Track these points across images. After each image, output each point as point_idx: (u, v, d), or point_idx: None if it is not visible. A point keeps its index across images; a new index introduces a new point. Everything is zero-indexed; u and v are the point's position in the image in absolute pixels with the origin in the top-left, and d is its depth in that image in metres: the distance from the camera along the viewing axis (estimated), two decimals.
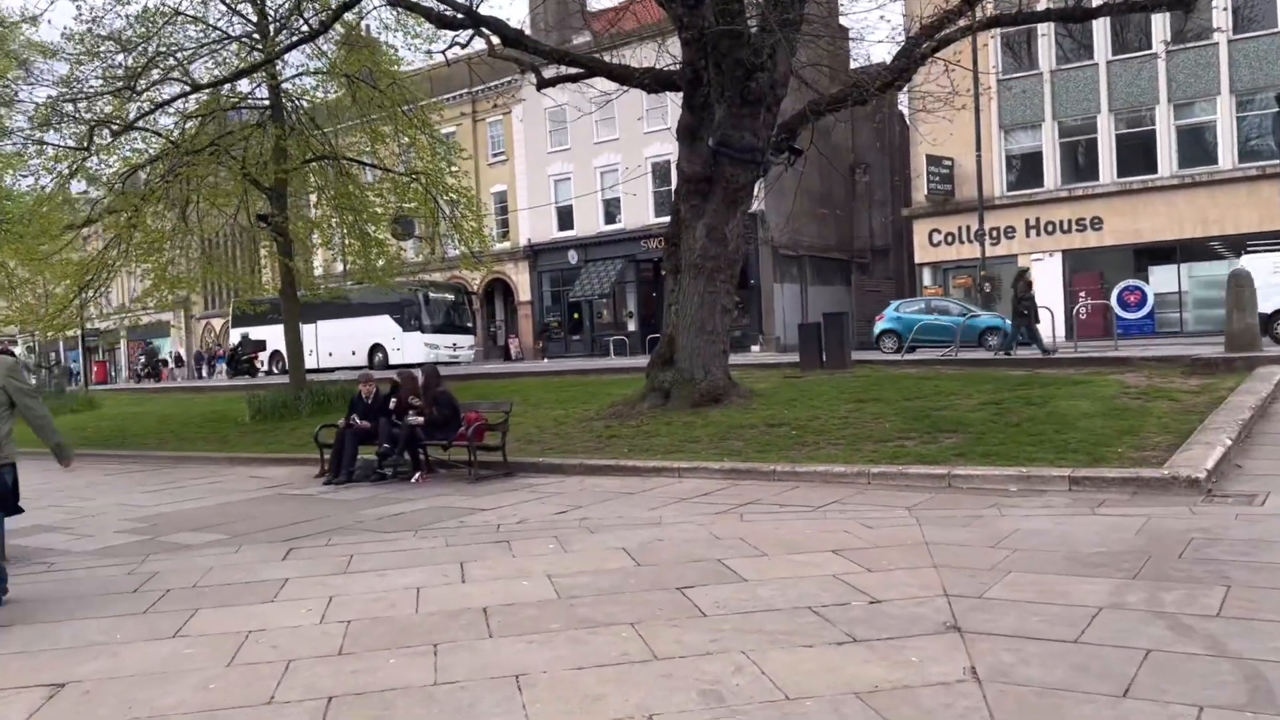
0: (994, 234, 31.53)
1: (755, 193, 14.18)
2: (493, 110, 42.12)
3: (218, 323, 58.74)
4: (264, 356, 40.18)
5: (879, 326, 26.24)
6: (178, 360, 54.65)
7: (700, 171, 13.37)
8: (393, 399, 11.65)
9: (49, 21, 28.99)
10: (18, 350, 59.33)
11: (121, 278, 26.78)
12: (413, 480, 10.87)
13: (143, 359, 52.33)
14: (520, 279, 42.63)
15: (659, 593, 5.52)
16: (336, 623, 5.22)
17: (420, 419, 11.05)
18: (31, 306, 19.33)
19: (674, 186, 14.72)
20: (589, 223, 39.86)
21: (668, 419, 12.85)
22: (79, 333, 32.69)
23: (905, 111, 34.43)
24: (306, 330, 38.37)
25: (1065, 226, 31.13)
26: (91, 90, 16.21)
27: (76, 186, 20.77)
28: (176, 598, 5.93)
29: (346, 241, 19.73)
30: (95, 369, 56.63)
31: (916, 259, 34.27)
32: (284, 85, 18.60)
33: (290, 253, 18.65)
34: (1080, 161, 31.45)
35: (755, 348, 33.67)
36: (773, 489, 9.00)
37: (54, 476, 13.65)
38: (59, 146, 16.58)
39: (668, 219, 14.88)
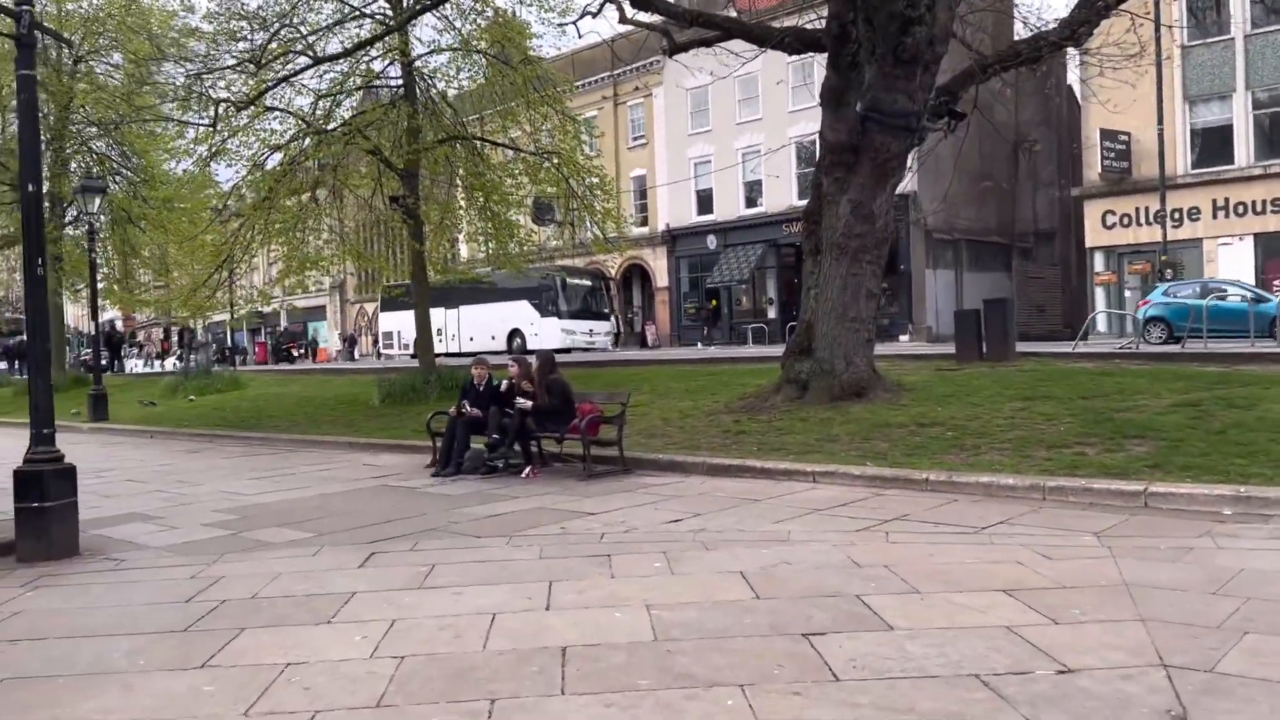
0: (1176, 216, 28.48)
1: (908, 165, 12.70)
2: (633, 93, 41.38)
3: (370, 307, 60.61)
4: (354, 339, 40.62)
5: (1144, 312, 23.26)
6: (350, 341, 56.67)
7: (846, 140, 12.03)
8: (505, 384, 10.89)
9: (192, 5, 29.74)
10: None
11: (264, 261, 27.37)
12: (523, 475, 10.07)
13: (275, 342, 54.35)
14: (658, 265, 41.81)
15: (779, 640, 4.41)
16: (388, 658, 4.35)
17: (528, 404, 10.22)
18: (184, 289, 19.71)
19: (816, 159, 13.42)
20: (729, 206, 38.60)
21: (803, 414, 11.62)
22: (233, 314, 33.79)
23: (1076, 84, 31.63)
24: (449, 315, 38.94)
25: (1258, 208, 27.81)
26: (220, 67, 16.18)
27: (222, 175, 21.11)
28: (228, 612, 5.22)
29: (477, 224, 19.28)
30: (257, 349, 59.42)
31: (1088, 242, 31.44)
32: (416, 64, 18.25)
33: (421, 236, 18.30)
34: (1276, 136, 28.02)
35: (904, 337, 31.72)
36: (924, 502, 7.70)
37: (178, 459, 13.67)
38: (195, 125, 16.66)
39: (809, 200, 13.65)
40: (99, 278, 30.74)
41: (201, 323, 36.31)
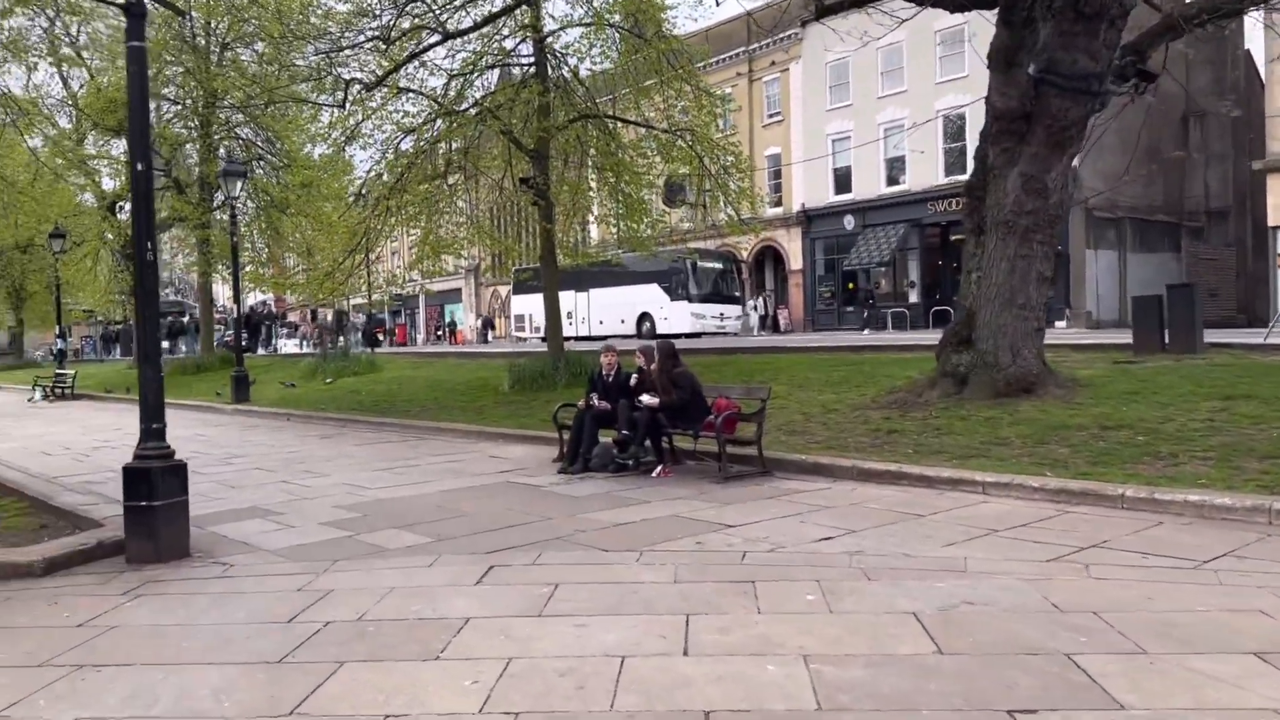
0: None
1: (1086, 133, 11.30)
2: (769, 68, 40.05)
3: (503, 290, 61.37)
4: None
5: None
6: (485, 324, 57.64)
7: (1016, 106, 10.76)
8: (633, 376, 10.19)
9: None
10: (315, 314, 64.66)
11: (403, 244, 27.59)
12: (654, 474, 9.35)
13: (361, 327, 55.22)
14: (792, 246, 40.46)
15: (977, 717, 3.52)
16: (500, 715, 3.69)
17: (654, 401, 9.49)
18: (320, 272, 19.90)
19: (980, 130, 12.15)
20: (869, 185, 36.90)
21: (963, 413, 10.49)
22: (370, 297, 34.44)
23: (1259, 51, 28.67)
24: (579, 298, 38.74)
25: None
26: (351, 45, 16.03)
27: (359, 159, 21.16)
28: (329, 638, 4.67)
29: (608, 205, 18.68)
30: (397, 332, 61.11)
31: (1270, 221, 28.49)
32: (548, 40, 17.72)
33: (551, 217, 17.82)
34: None
35: (1060, 323, 29.55)
36: (1124, 523, 6.57)
37: (309, 445, 13.57)
38: (328, 106, 16.58)
39: (959, 178, 12.42)
40: (245, 261, 31.83)
41: (349, 305, 37.19)
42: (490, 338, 56.00)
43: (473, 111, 16.90)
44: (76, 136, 31.37)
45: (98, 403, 25.55)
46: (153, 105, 31.03)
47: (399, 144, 17.76)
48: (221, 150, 28.58)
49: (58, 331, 33.25)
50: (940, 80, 34.25)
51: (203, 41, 27.58)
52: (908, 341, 20.09)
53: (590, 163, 18.97)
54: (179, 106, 29.93)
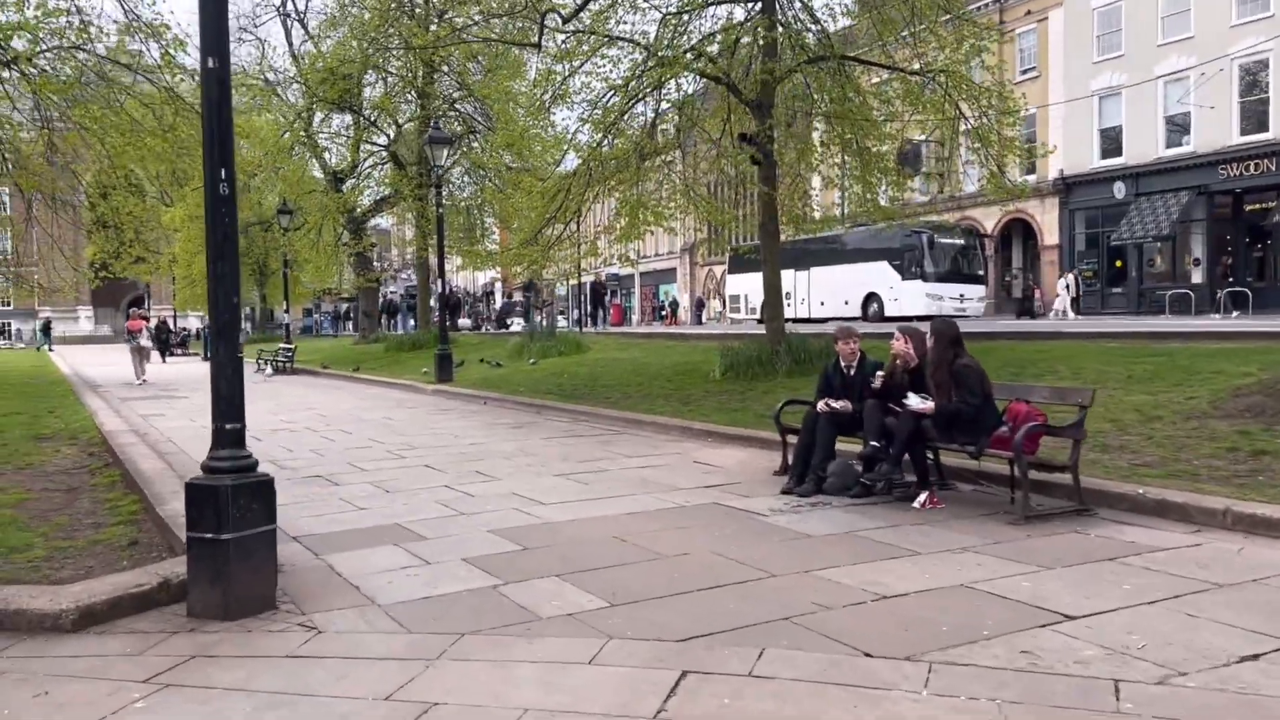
0: None
1: None
2: (1024, 18, 35.46)
3: (719, 269, 59.39)
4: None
5: None
6: (699, 304, 56.22)
7: None
8: (878, 371, 7.63)
9: None
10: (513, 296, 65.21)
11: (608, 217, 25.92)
12: (917, 503, 6.80)
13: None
14: (1046, 219, 35.78)
15: None
16: None
17: (929, 406, 6.89)
18: (521, 240, 18.40)
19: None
20: (1143, 147, 31.80)
21: None
22: (579, 271, 33.25)
23: None
24: (798, 277, 35.95)
25: None
26: None
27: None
28: None
29: (840, 165, 16.01)
30: (612, 311, 60.41)
31: None
32: None
33: (773, 179, 15.39)
34: None
35: None
36: None
37: (494, 436, 11.81)
38: (521, 45, 14.86)
39: (1259, 138, 8.97)
40: (456, 237, 31.41)
41: (556, 281, 36.53)
42: (704, 319, 54.24)
43: (688, 56, 14.70)
44: (306, 114, 31.95)
45: (311, 378, 25.61)
46: (373, 78, 31.18)
47: (606, 100, 15.88)
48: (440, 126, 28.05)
49: (285, 307, 34.28)
50: (1237, 22, 28.83)
51: (420, 9, 27.01)
52: (1201, 328, 16.15)
53: (820, 114, 16.34)
54: (399, 80, 29.78)
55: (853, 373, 7.80)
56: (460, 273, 79.92)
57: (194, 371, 29.23)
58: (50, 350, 52.14)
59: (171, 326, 42.49)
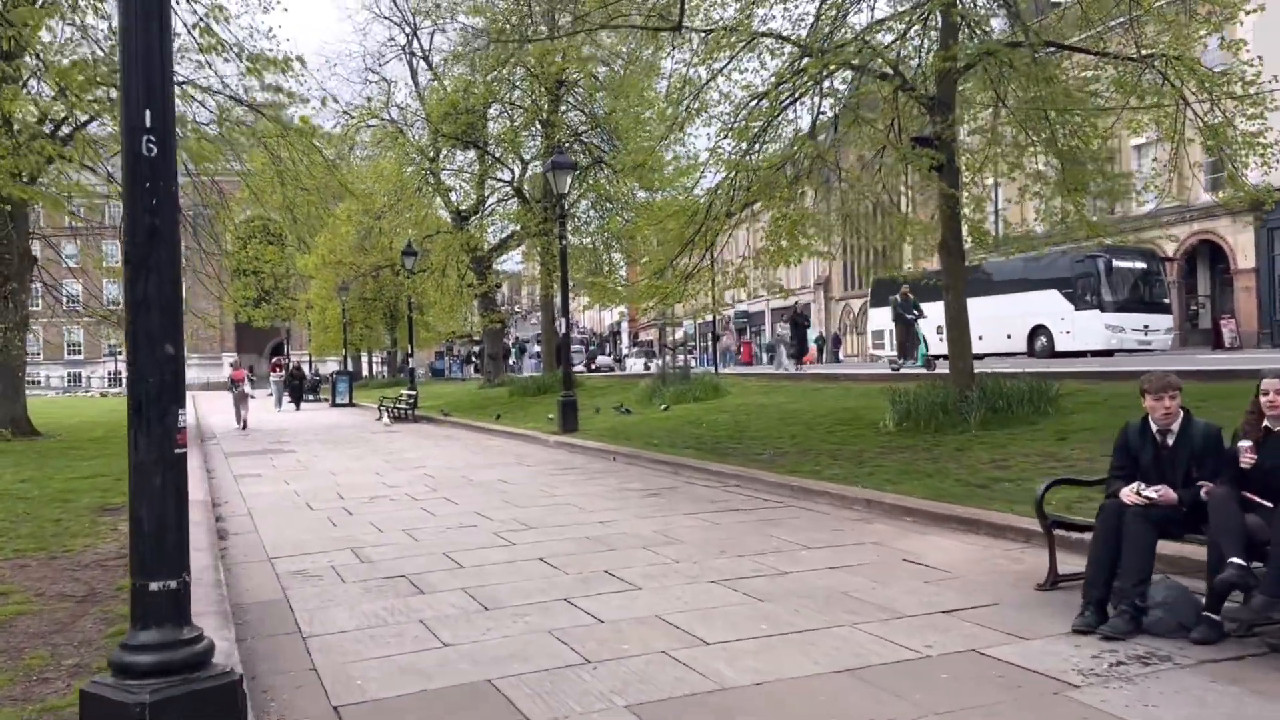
0: None
1: None
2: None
3: (855, 303, 56.16)
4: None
5: None
6: (835, 341, 53.17)
7: None
8: (1229, 440, 4.96)
9: None
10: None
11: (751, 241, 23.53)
12: None
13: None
14: (1239, 239, 31.51)
15: None
16: None
17: None
18: (648, 274, 16.25)
19: None
20: None
21: None
22: (715, 301, 30.91)
23: None
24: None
25: None
26: None
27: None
28: None
29: (1038, 164, 13.24)
30: (742, 349, 57.69)
31: None
32: None
33: (958, 188, 12.78)
34: None
35: None
36: None
37: (624, 512, 9.42)
38: (656, 29, 12.76)
39: None
40: (581, 272, 29.65)
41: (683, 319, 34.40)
42: (840, 356, 51.08)
43: (852, 47, 12.32)
44: (432, 152, 30.94)
45: (430, 427, 24.05)
46: (496, 111, 29.95)
47: (751, 106, 13.62)
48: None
49: (408, 351, 33.21)
50: None
51: (544, 29, 25.50)
52: None
53: (1007, 112, 13.64)
54: (523, 112, 28.46)
55: (1172, 442, 5.15)
56: (586, 312, 78.90)
57: (316, 420, 28.25)
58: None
59: (306, 372, 42.16)
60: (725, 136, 14.14)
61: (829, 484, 9.86)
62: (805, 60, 12.57)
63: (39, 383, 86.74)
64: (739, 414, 17.41)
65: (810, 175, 12.72)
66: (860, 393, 18.72)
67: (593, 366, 53.15)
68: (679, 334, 72.30)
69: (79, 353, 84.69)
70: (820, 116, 13.51)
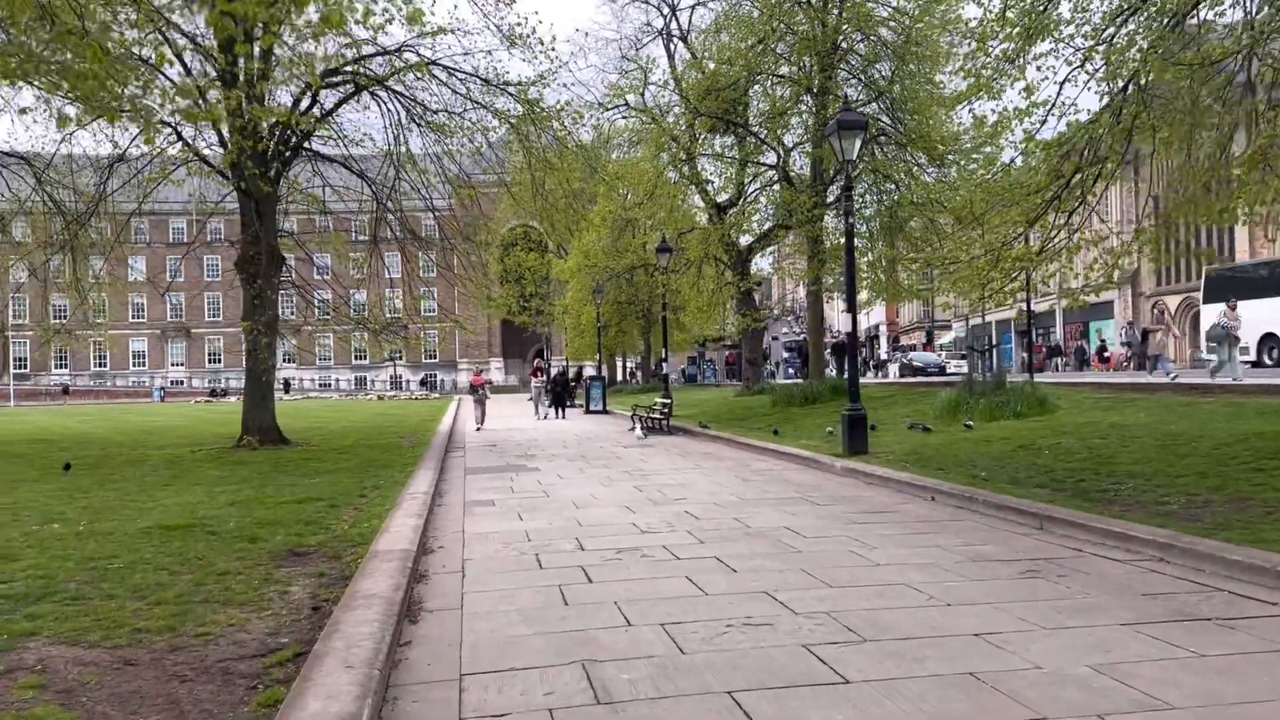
0: None
1: None
2: None
3: (1172, 300, 48.22)
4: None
5: None
6: (1144, 342, 45.73)
7: None
8: None
9: None
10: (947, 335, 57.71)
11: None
12: None
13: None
14: None
15: None
16: None
17: None
18: (993, 256, 12.34)
19: None
20: None
21: None
22: (1062, 290, 26.30)
23: None
24: (1259, 308, 26.78)
25: None
26: None
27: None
28: None
29: None
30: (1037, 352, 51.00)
31: None
32: None
33: None
34: None
35: None
36: None
37: (1011, 602, 5.94)
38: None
39: None
40: (864, 267, 26.01)
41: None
42: (1147, 364, 43.62)
43: None
44: (687, 139, 28.44)
45: (686, 440, 21.33)
46: (759, 91, 26.99)
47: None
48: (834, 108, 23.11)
49: (662, 356, 30.90)
50: None
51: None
52: None
53: None
54: (791, 84, 25.28)
55: None
56: (842, 315, 74.35)
57: (568, 430, 26.48)
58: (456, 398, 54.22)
59: (569, 378, 40.91)
60: (1086, 60, 10.32)
61: (1258, 552, 5.91)
62: None
63: (329, 385, 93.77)
64: (1088, 437, 13.27)
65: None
66: (1256, 410, 14.04)
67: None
68: (948, 338, 66.04)
69: (364, 357, 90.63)
70: None
